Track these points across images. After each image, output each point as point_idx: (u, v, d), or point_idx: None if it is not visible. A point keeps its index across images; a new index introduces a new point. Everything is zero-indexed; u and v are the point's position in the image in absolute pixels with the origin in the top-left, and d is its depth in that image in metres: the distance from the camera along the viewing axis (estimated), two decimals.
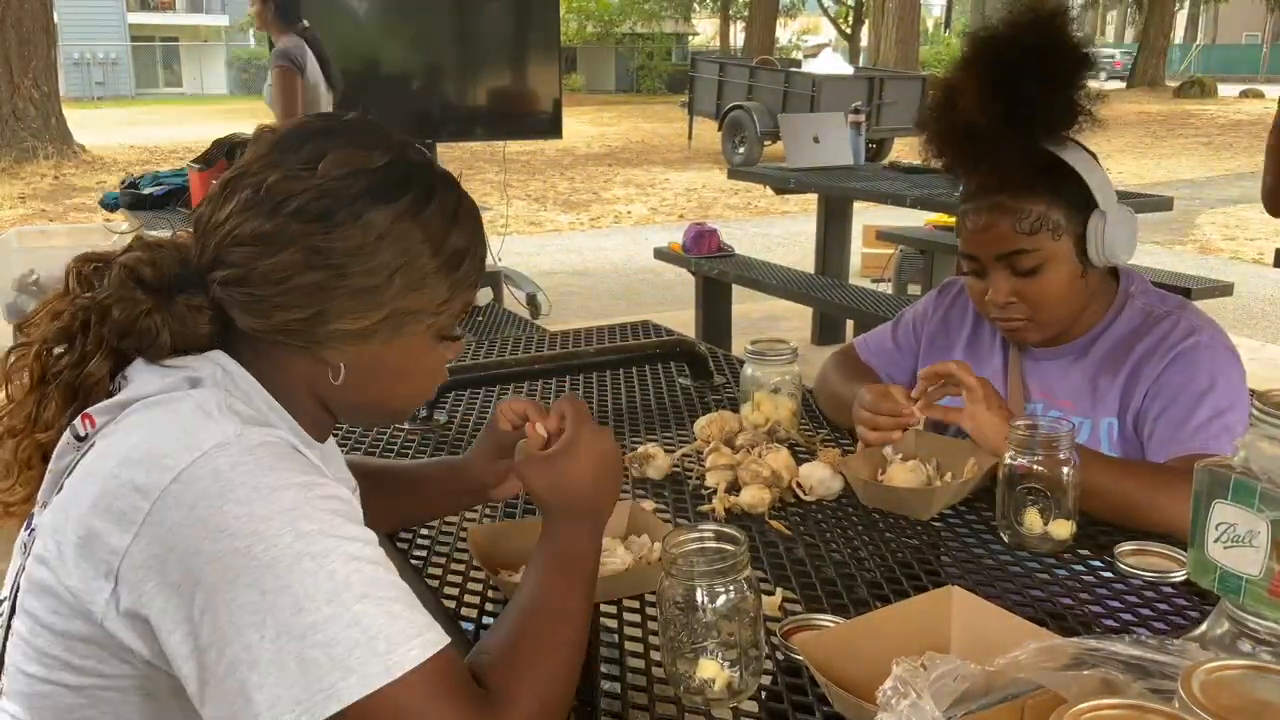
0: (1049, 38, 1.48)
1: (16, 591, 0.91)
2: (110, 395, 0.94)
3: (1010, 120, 1.46)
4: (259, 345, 0.96)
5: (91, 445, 0.90)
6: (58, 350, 0.95)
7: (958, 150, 1.55)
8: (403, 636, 0.80)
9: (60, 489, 0.89)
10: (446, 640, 0.82)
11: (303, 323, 0.92)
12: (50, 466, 0.93)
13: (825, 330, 5.70)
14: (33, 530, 0.92)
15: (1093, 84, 1.52)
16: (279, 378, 0.96)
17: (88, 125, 16.74)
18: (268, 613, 0.78)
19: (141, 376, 0.94)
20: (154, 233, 1.03)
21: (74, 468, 0.89)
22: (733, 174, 6.40)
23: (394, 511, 1.29)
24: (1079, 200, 1.51)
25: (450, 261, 0.97)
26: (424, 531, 1.40)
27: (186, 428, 0.86)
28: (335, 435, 1.75)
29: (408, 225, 0.93)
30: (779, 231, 9.91)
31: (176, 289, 0.95)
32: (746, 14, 30.34)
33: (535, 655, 0.90)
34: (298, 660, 0.77)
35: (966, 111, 1.48)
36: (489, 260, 5.29)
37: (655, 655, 1.07)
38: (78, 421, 0.92)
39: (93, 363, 0.95)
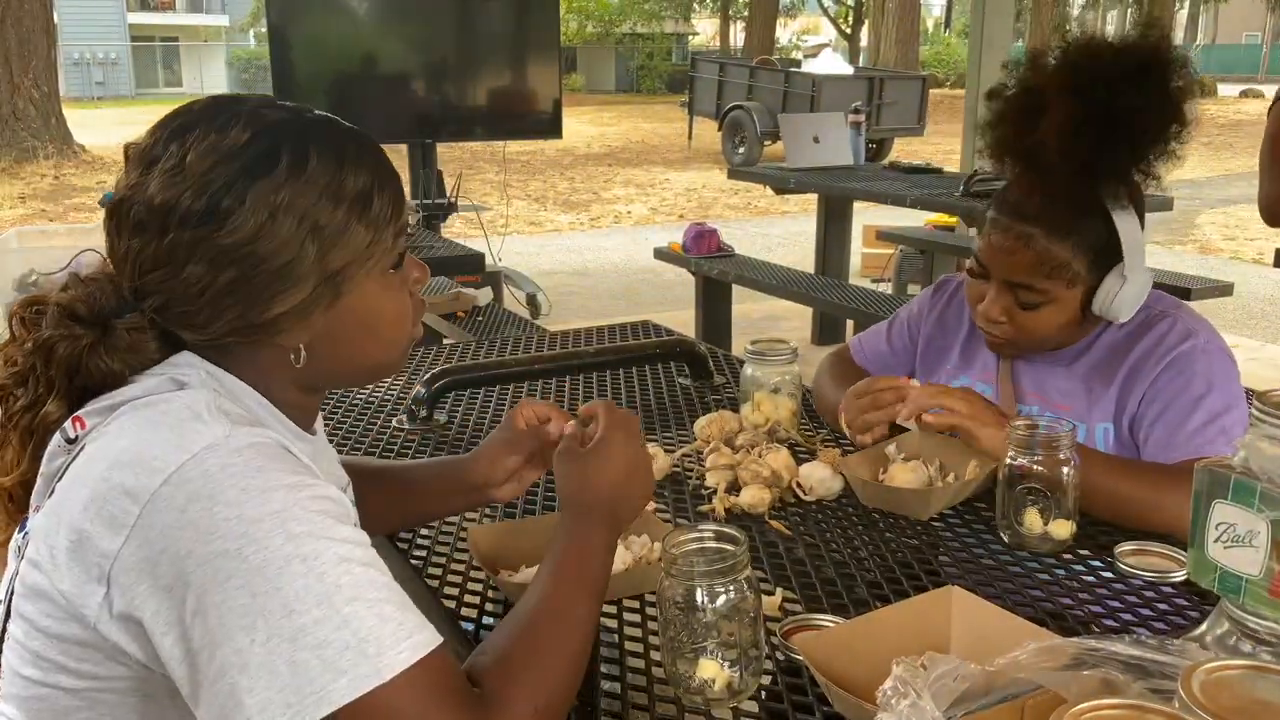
0: (1160, 93, 1.40)
1: (11, 595, 0.91)
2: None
3: (1084, 170, 1.41)
4: (216, 350, 0.95)
5: (82, 448, 0.89)
6: (16, 393, 0.94)
7: (1020, 167, 1.49)
8: (393, 638, 0.79)
9: (52, 492, 0.89)
10: (439, 641, 0.82)
11: (241, 320, 0.91)
12: (41, 470, 0.93)
13: (825, 330, 5.70)
14: (26, 534, 0.92)
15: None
16: (248, 374, 0.95)
17: (88, 125, 16.74)
18: (258, 615, 0.77)
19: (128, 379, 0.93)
20: (89, 261, 1.01)
21: (65, 471, 0.89)
22: (733, 174, 6.41)
23: (394, 512, 1.29)
24: (1105, 255, 1.47)
25: (356, 204, 0.92)
26: (424, 531, 1.40)
27: (176, 429, 0.85)
28: (334, 438, 1.76)
29: (295, 189, 0.90)
30: (779, 231, 9.91)
31: (115, 315, 0.94)
32: (746, 14, 30.33)
33: (533, 658, 0.89)
34: (288, 663, 0.77)
35: (1046, 141, 1.40)
36: (489, 260, 5.31)
37: (655, 655, 1.07)
38: (68, 424, 0.92)
39: (49, 404, 0.94)
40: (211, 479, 0.82)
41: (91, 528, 0.83)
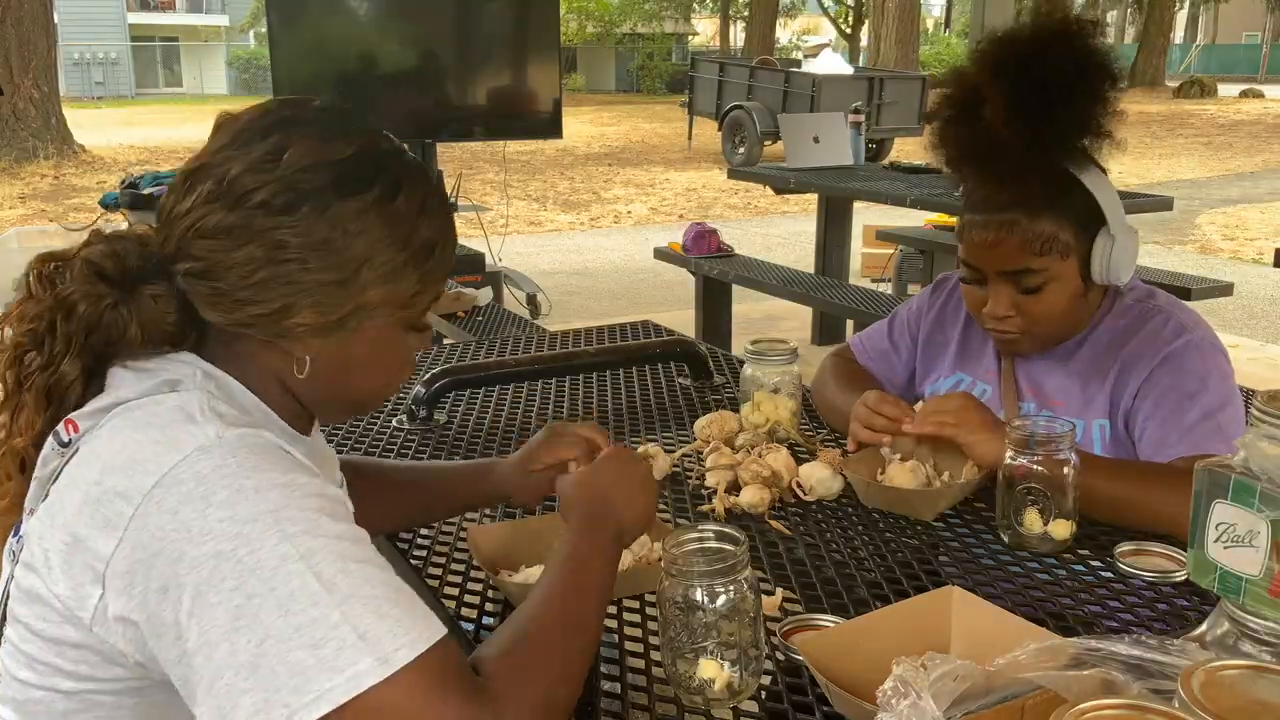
0: (1082, 54, 1.45)
1: (6, 599, 0.90)
2: (87, 399, 0.93)
3: (1036, 142, 1.44)
4: (225, 337, 0.95)
5: (75, 451, 0.89)
6: (29, 355, 0.94)
7: (977, 163, 1.51)
8: (391, 635, 0.78)
9: (46, 496, 0.89)
10: (438, 635, 0.81)
11: (267, 316, 0.91)
12: (36, 473, 0.93)
13: (825, 330, 5.70)
14: (20, 538, 0.91)
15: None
16: (248, 370, 0.95)
17: (88, 125, 16.73)
18: (253, 616, 0.77)
19: (121, 380, 0.92)
20: (111, 227, 1.01)
21: (59, 474, 0.89)
22: (733, 174, 6.40)
23: (405, 512, 1.30)
24: (1088, 219, 1.49)
25: (419, 254, 0.95)
26: (424, 531, 1.40)
27: (168, 430, 0.85)
28: (333, 438, 1.76)
29: (374, 218, 0.92)
30: (779, 231, 9.91)
31: (140, 280, 0.94)
32: (746, 14, 30.34)
33: (539, 653, 0.89)
34: (285, 663, 0.76)
35: (993, 126, 1.44)
36: (489, 260, 5.31)
37: (655, 655, 1.07)
38: (61, 427, 0.91)
39: (64, 363, 0.93)
40: (204, 480, 0.81)
41: (85, 530, 0.82)
